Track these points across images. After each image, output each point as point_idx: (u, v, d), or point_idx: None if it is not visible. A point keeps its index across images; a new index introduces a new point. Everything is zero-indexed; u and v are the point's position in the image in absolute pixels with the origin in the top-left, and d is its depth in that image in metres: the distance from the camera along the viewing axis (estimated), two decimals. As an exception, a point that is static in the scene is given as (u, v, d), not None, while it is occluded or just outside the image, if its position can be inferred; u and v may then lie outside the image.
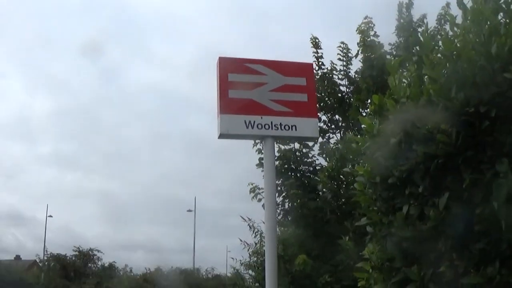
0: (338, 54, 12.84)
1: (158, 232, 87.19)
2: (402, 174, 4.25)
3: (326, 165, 11.44)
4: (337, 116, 12.99)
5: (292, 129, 4.85)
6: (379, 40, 12.25)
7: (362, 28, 12.17)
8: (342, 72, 12.91)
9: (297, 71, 5.11)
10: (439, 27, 11.79)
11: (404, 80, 4.63)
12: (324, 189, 11.27)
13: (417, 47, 7.83)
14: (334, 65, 12.91)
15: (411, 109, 4.26)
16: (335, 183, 11.06)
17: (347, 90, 12.96)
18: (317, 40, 12.87)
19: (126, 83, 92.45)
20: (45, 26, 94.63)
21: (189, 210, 57.88)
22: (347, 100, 12.77)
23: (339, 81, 12.95)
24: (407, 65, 4.94)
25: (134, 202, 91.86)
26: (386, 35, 12.34)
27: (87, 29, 79.78)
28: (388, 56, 11.31)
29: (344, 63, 12.87)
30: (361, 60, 12.20)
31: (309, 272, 10.82)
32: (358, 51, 12.34)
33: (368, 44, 12.05)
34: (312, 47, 12.86)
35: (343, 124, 12.85)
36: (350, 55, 12.82)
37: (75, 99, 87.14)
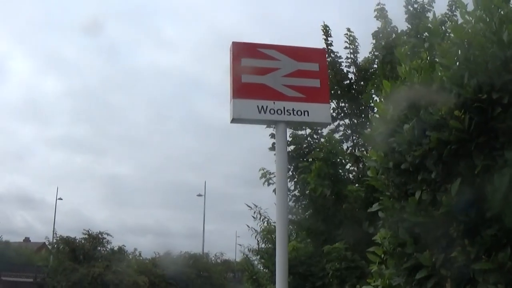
0: (345, 41, 12.84)
1: (167, 217, 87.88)
2: (415, 160, 4.27)
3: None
4: (342, 104, 13.00)
5: (304, 114, 4.84)
6: (392, 26, 12.22)
7: (377, 14, 12.15)
8: (349, 60, 12.90)
9: (310, 56, 5.10)
10: (450, 13, 11.71)
11: (414, 67, 4.62)
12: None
13: (427, 34, 7.81)
14: (336, 53, 12.90)
15: (424, 95, 4.27)
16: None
17: (355, 77, 12.95)
18: (327, 28, 12.83)
19: (136, 65, 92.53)
20: (53, 6, 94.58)
21: (199, 195, 58.12)
22: (354, 87, 12.79)
23: (346, 69, 12.95)
24: (419, 52, 4.93)
25: (144, 186, 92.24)
26: (398, 20, 12.30)
27: (97, 10, 79.74)
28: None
29: (351, 50, 12.86)
30: (380, 44, 12.09)
31: (304, 259, 10.80)
32: (375, 38, 12.27)
33: (388, 31, 12.00)
34: (323, 34, 12.85)
35: (350, 111, 12.88)
36: (356, 43, 12.82)
37: (84, 82, 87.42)
